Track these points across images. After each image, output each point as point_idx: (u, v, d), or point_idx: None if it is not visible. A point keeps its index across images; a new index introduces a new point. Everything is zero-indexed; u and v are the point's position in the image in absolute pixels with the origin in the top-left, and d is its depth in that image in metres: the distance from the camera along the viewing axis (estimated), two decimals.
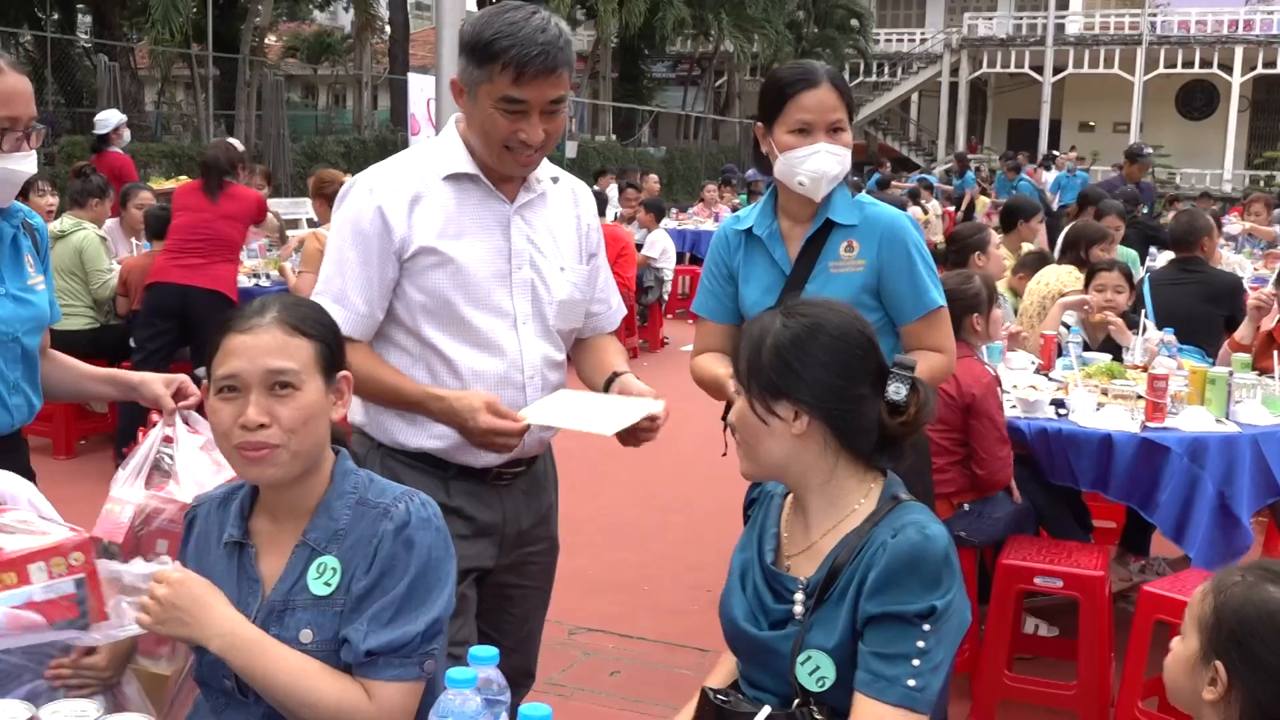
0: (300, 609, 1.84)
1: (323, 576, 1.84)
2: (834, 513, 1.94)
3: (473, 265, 2.44)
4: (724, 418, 2.19)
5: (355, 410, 2.54)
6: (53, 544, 1.89)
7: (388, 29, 28.29)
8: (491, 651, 1.63)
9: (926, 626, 1.78)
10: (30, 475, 2.63)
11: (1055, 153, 18.93)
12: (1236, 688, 1.63)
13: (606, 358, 2.69)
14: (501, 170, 2.46)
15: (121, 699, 1.97)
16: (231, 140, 7.56)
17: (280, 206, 13.39)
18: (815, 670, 1.85)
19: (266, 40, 27.32)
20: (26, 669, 1.89)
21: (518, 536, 2.61)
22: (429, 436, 2.47)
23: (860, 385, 1.92)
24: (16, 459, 2.59)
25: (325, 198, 6.88)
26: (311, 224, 10.19)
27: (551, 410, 2.45)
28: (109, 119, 10.26)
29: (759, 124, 2.92)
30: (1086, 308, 5.30)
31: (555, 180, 2.60)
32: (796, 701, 1.87)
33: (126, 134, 10.55)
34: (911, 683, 1.78)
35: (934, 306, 2.89)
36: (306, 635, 1.83)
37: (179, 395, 2.40)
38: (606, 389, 2.57)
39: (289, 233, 8.87)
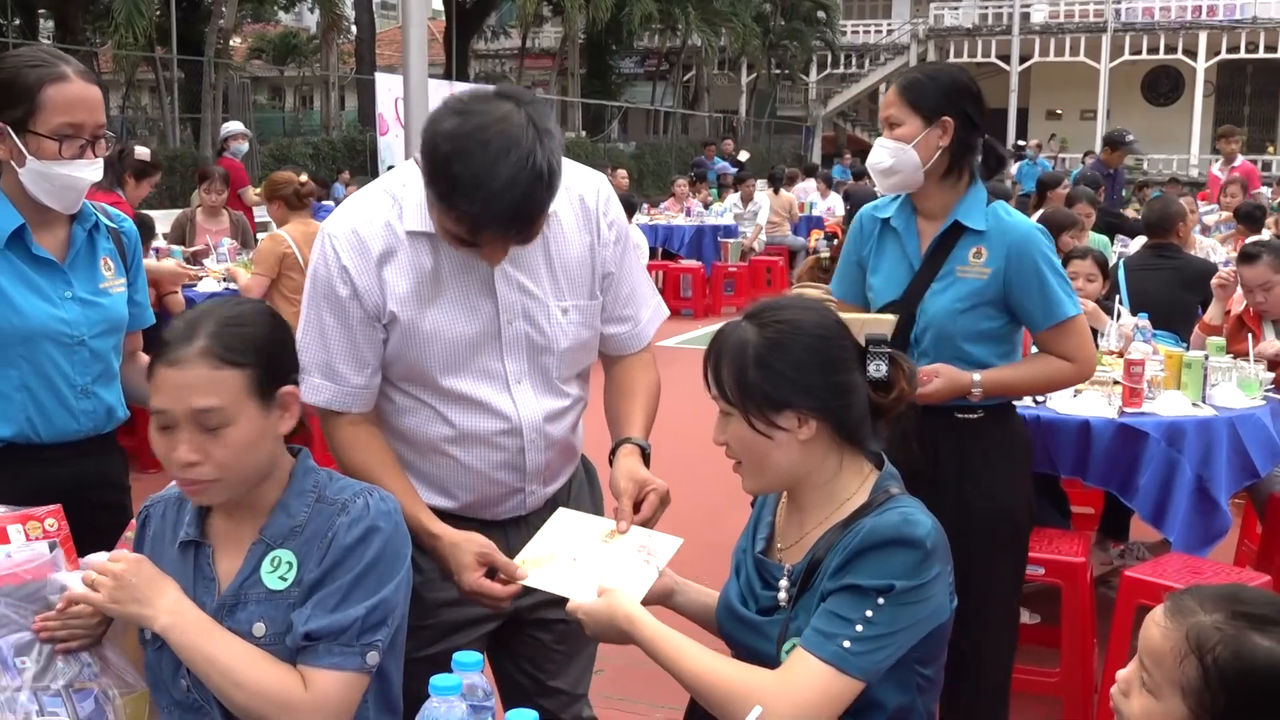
0: (253, 603, 1.84)
1: (277, 570, 1.84)
2: (827, 506, 1.94)
3: (449, 332, 2.19)
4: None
5: None
6: (27, 511, 1.99)
7: (354, 29, 28.18)
8: (476, 658, 1.61)
9: (880, 600, 1.77)
10: (123, 488, 2.68)
11: (1022, 142, 18.92)
12: None
13: (625, 407, 2.42)
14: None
15: (105, 662, 1.95)
16: (140, 149, 7.50)
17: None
18: None
19: (231, 42, 27.15)
20: (10, 620, 1.89)
21: None
22: (437, 497, 2.31)
23: (849, 373, 1.91)
24: (106, 466, 2.61)
25: (280, 199, 6.90)
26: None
27: (552, 572, 2.13)
28: (231, 128, 11.30)
29: None
30: None
31: (555, 212, 2.20)
32: None
33: (244, 144, 11.13)
34: (847, 644, 1.76)
35: (1064, 317, 2.94)
36: (259, 628, 1.82)
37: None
38: (611, 455, 2.34)
39: (258, 236, 8.82)
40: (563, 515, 2.25)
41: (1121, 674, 1.62)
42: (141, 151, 7.49)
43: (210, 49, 21.62)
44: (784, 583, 1.93)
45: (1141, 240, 6.94)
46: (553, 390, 2.31)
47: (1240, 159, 11.79)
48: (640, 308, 2.45)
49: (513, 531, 2.33)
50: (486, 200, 1.96)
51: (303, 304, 2.26)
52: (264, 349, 1.82)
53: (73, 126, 2.39)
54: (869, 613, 1.77)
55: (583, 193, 2.31)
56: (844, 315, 2.04)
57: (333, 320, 2.19)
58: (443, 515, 2.26)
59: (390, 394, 2.28)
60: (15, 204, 2.46)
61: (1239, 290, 4.97)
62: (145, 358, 2.65)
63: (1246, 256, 4.87)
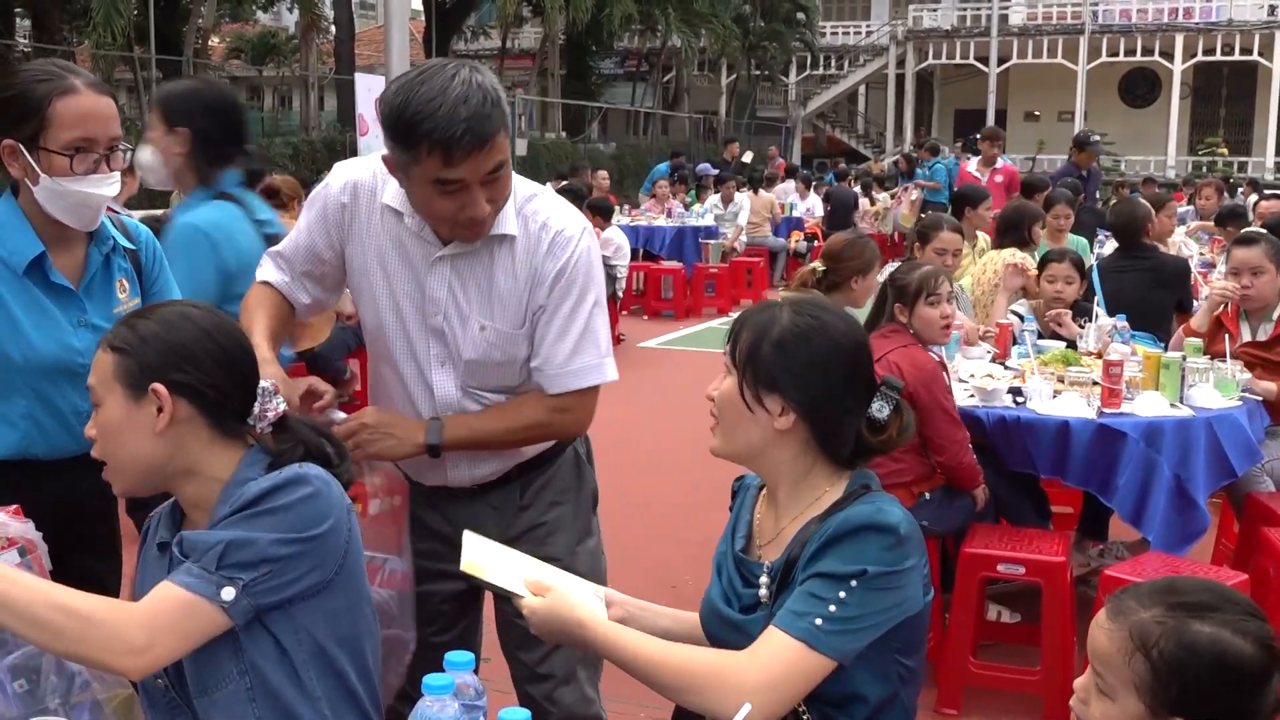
0: None
1: None
2: (801, 502, 1.97)
3: (389, 302, 2.42)
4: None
5: None
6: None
7: (333, 29, 28.07)
8: (467, 657, 1.62)
9: (854, 583, 1.79)
10: (113, 498, 2.56)
11: (976, 137, 18.82)
12: None
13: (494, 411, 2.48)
14: (454, 238, 2.34)
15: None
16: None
17: None
18: None
19: (210, 42, 27.04)
20: (4, 641, 1.90)
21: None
22: None
23: (848, 396, 1.94)
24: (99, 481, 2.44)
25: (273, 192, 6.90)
26: None
27: (498, 570, 2.07)
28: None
29: None
30: (1029, 274, 5.38)
31: (512, 238, 2.36)
32: None
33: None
34: (819, 622, 1.79)
35: None
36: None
37: (309, 396, 2.40)
38: None
39: None
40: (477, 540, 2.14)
41: (1078, 683, 1.66)
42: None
43: (189, 49, 21.57)
44: (764, 579, 1.95)
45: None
46: (466, 392, 2.45)
47: (1001, 161, 11.77)
48: (556, 356, 2.42)
49: (458, 503, 2.53)
50: (444, 119, 2.10)
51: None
52: (149, 343, 1.86)
53: (85, 140, 2.33)
54: (842, 594, 1.79)
55: (547, 229, 2.39)
56: None
57: (302, 227, 2.48)
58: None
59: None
60: (35, 226, 2.40)
61: (1213, 288, 5.01)
62: None
63: (1245, 240, 4.91)
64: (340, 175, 2.46)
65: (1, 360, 2.37)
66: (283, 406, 1.95)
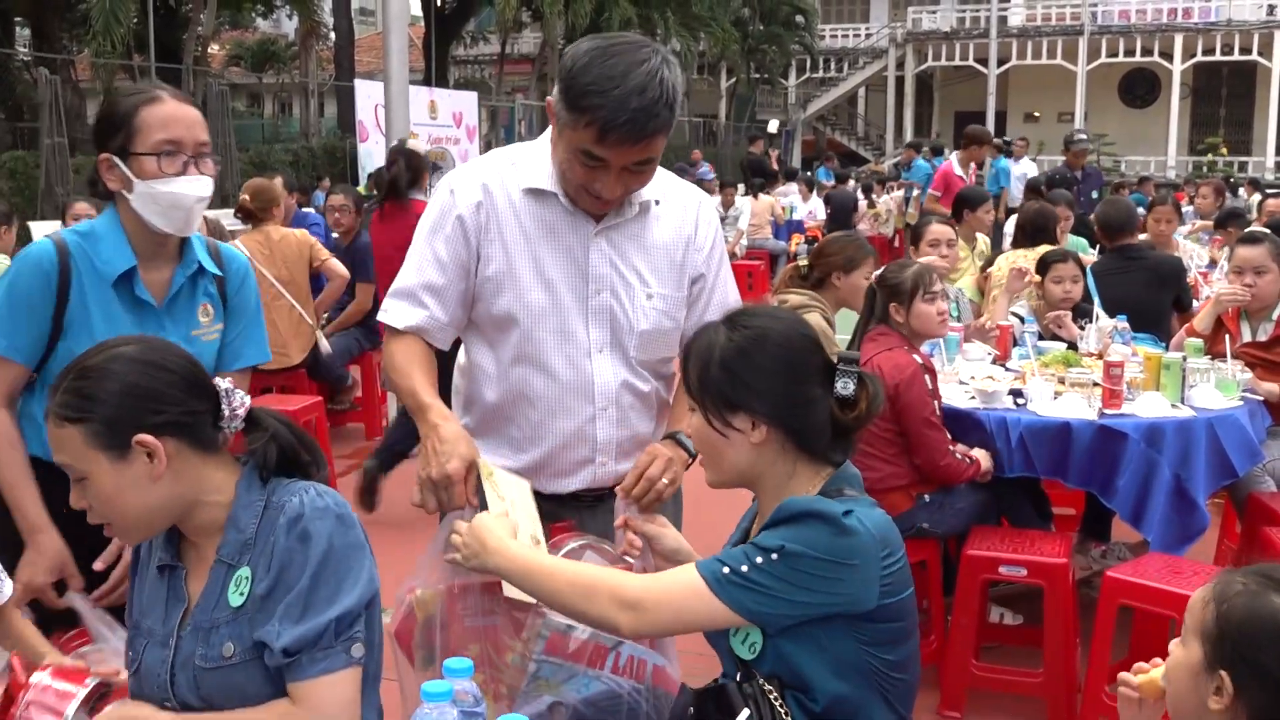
0: (223, 625, 1.85)
1: (239, 588, 1.84)
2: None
3: (540, 287, 2.34)
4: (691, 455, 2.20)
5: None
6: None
7: (332, 35, 28.10)
8: (466, 664, 1.62)
9: (773, 555, 1.82)
10: None
11: (1008, 138, 18.95)
12: (1242, 699, 1.60)
13: (676, 405, 2.49)
14: (579, 204, 2.34)
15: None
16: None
17: (226, 219, 13.24)
18: (747, 638, 1.91)
19: (210, 49, 27.06)
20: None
21: None
22: (499, 454, 2.41)
23: (811, 387, 1.96)
24: None
25: (246, 211, 6.94)
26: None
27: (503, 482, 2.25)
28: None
29: None
30: (1030, 283, 5.37)
31: (658, 202, 2.41)
32: (739, 675, 1.93)
33: None
34: (725, 570, 1.84)
35: None
36: (229, 649, 1.83)
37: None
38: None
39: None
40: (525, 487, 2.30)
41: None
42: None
43: (188, 56, 21.55)
44: None
45: None
46: (632, 370, 2.41)
47: (944, 160, 11.78)
48: None
49: (587, 515, 2.42)
50: (616, 100, 2.11)
51: (414, 239, 2.42)
52: (109, 401, 1.80)
53: (170, 143, 2.43)
54: (759, 559, 1.83)
55: (686, 200, 2.48)
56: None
57: (429, 252, 2.36)
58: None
59: (478, 358, 2.41)
60: (131, 240, 2.50)
61: (1213, 287, 5.01)
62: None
63: (1249, 239, 4.92)
64: (464, 179, 2.40)
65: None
66: (247, 400, 1.93)
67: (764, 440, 1.95)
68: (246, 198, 6.94)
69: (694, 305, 2.49)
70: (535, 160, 2.37)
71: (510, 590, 2.06)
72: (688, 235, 2.44)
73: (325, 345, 7.00)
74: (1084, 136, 11.80)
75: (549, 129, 2.36)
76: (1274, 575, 1.65)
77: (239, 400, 1.91)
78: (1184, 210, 11.65)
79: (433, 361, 2.41)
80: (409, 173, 6.43)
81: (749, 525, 2.12)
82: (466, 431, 2.28)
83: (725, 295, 2.53)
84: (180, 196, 2.44)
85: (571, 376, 2.37)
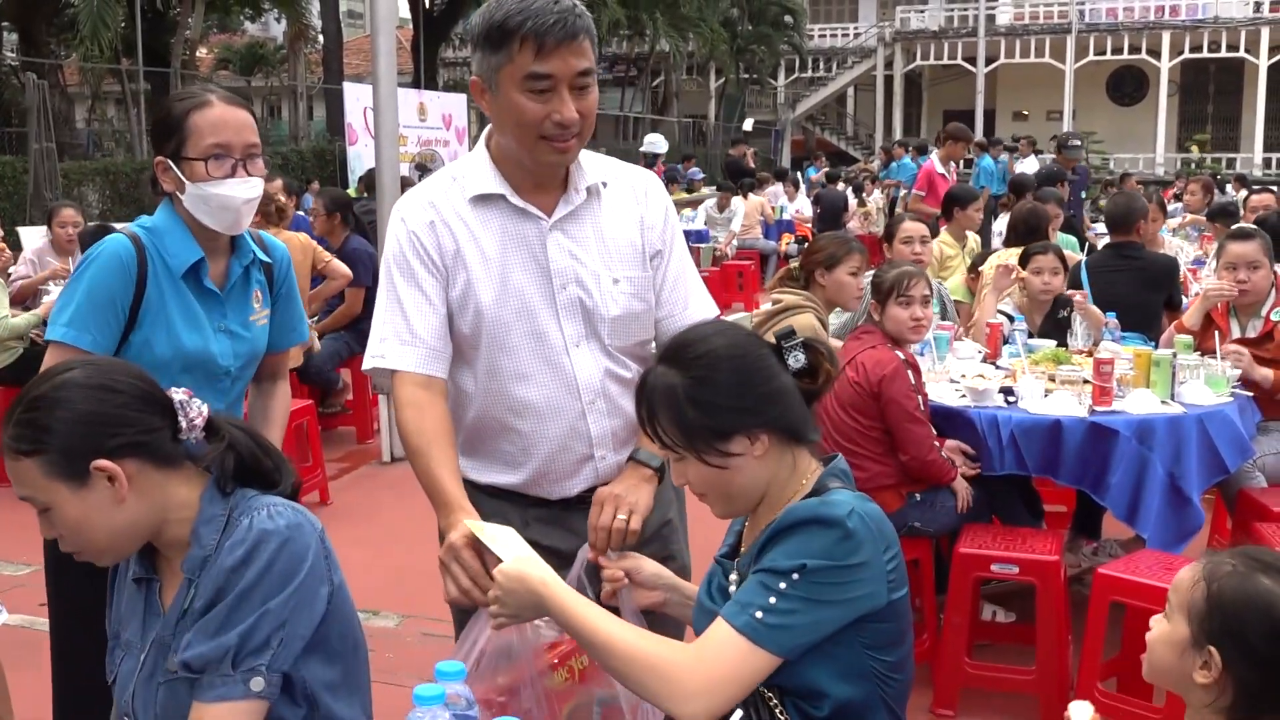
0: (179, 637, 1.84)
1: (187, 603, 1.83)
2: (777, 506, 1.97)
3: (505, 294, 2.32)
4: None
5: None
6: None
7: (320, 38, 28.05)
8: (458, 667, 1.61)
9: (795, 577, 1.80)
10: None
11: (1017, 137, 19.05)
12: (1229, 673, 1.68)
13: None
14: (541, 168, 2.31)
15: None
16: None
17: None
18: None
19: (198, 53, 27.00)
20: None
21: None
22: (495, 473, 2.42)
23: (777, 377, 1.95)
24: None
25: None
26: None
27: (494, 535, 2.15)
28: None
29: None
30: (1017, 279, 5.38)
31: (605, 185, 2.42)
32: None
33: None
34: (759, 615, 1.81)
35: None
36: (171, 663, 1.82)
37: None
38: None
39: None
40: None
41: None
42: None
43: (176, 60, 21.50)
44: (733, 576, 2.00)
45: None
46: (612, 359, 2.40)
47: (927, 159, 11.69)
48: (691, 297, 2.52)
49: (577, 514, 2.38)
50: (537, 13, 2.16)
51: (380, 283, 2.41)
52: (61, 430, 1.77)
53: (220, 147, 2.53)
54: (782, 585, 1.81)
55: (633, 180, 2.49)
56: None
57: (404, 286, 2.34)
58: (518, 494, 2.40)
59: (456, 378, 2.39)
60: (194, 235, 2.60)
61: (1200, 284, 5.01)
62: (284, 388, 2.94)
63: (1240, 234, 4.90)
64: (411, 204, 2.39)
65: (147, 354, 2.51)
66: (205, 409, 1.90)
67: (766, 449, 1.93)
68: (283, 198, 7.14)
69: (657, 284, 2.48)
70: (474, 168, 2.38)
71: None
72: (639, 215, 2.45)
73: (315, 343, 7.04)
74: (1078, 142, 11.75)
75: (479, 142, 2.42)
76: (1261, 558, 1.71)
77: (196, 410, 1.88)
78: (1172, 207, 11.69)
79: (450, 426, 2.35)
80: None
81: (741, 529, 2.11)
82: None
83: (682, 267, 2.53)
84: (229, 199, 2.54)
85: (553, 377, 2.35)
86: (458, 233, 2.34)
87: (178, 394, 1.88)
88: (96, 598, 2.12)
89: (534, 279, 2.33)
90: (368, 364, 2.37)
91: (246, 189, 2.56)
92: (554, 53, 2.18)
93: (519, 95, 2.21)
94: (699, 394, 1.89)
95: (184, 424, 1.86)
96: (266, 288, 2.78)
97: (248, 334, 2.70)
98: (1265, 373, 4.51)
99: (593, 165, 2.41)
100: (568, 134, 2.25)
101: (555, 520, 2.42)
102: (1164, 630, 1.77)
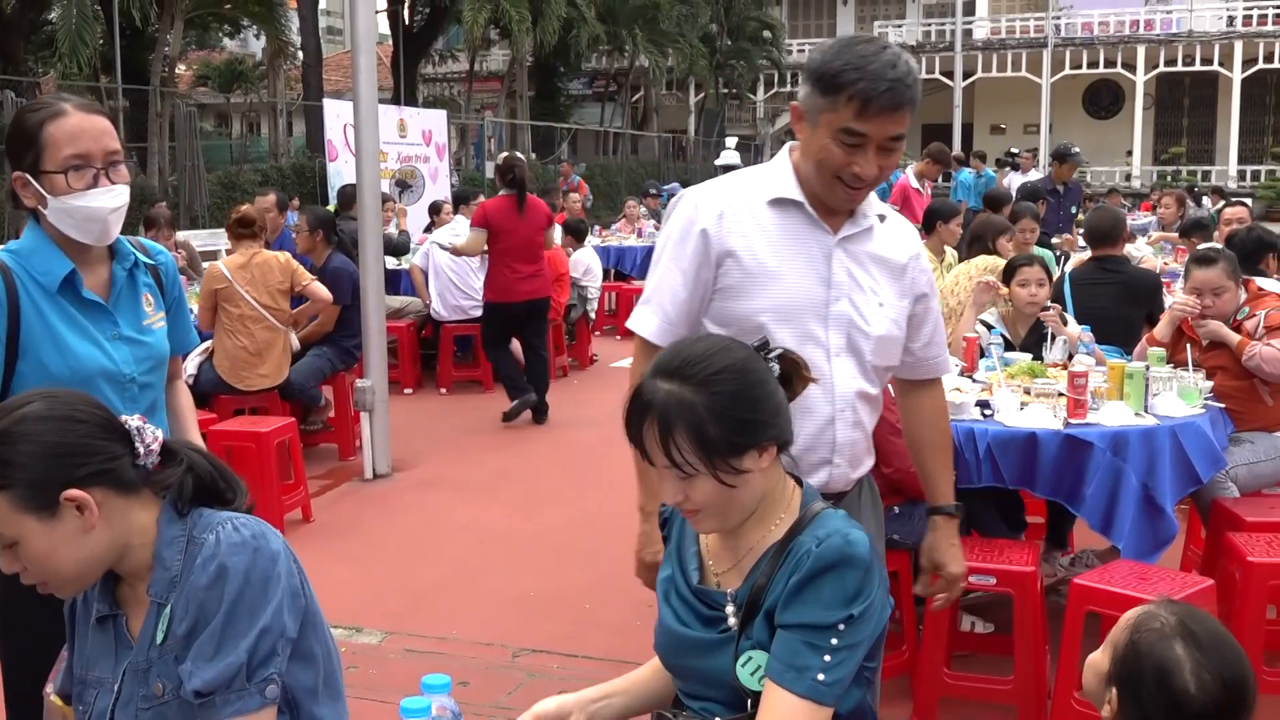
0: (155, 663, 1.84)
1: (162, 625, 1.84)
2: (760, 527, 1.97)
3: (789, 289, 2.42)
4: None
5: None
6: None
7: (300, 55, 28.03)
8: (444, 680, 1.64)
9: (842, 628, 1.83)
10: None
11: (1014, 150, 19.05)
12: (1121, 716, 1.80)
13: (933, 464, 2.76)
14: (829, 202, 2.43)
15: None
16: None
17: (197, 239, 13.22)
18: (757, 669, 1.89)
19: (177, 70, 26.91)
20: None
21: None
22: None
23: (778, 389, 1.94)
24: None
25: (237, 237, 7.02)
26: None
27: None
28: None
29: None
30: (1001, 294, 5.42)
31: (882, 218, 2.55)
32: (750, 702, 1.90)
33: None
34: (821, 676, 1.81)
35: None
36: (159, 688, 1.83)
37: None
38: (928, 515, 2.74)
39: (203, 264, 8.82)
40: None
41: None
42: None
43: (155, 77, 21.41)
44: (730, 608, 1.96)
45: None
46: (865, 375, 2.50)
47: (899, 174, 11.56)
48: (942, 341, 2.73)
49: None
50: (873, 73, 2.26)
51: (655, 259, 2.55)
52: (27, 464, 1.76)
53: (79, 157, 2.46)
54: (834, 641, 1.82)
55: (903, 223, 2.64)
56: None
57: (671, 263, 2.48)
58: None
59: None
60: (61, 248, 2.53)
61: (1174, 304, 5.06)
62: (183, 385, 2.90)
63: (1203, 259, 4.91)
64: (707, 194, 2.50)
65: (44, 375, 2.46)
66: (160, 434, 1.90)
67: (770, 461, 1.92)
68: (250, 209, 7.11)
69: (920, 324, 2.64)
70: (775, 174, 2.49)
71: None
72: (910, 254, 2.58)
73: (294, 343, 7.13)
74: (1077, 150, 11.60)
75: (783, 151, 2.52)
76: (1192, 625, 1.79)
77: (151, 435, 1.88)
78: (1147, 220, 11.78)
79: None
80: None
81: (697, 548, 2.07)
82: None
83: (937, 313, 2.70)
84: (94, 210, 2.49)
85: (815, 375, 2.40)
86: (748, 227, 2.43)
87: (132, 421, 1.88)
88: (41, 606, 2.11)
89: (814, 285, 2.43)
90: (630, 320, 2.57)
91: (112, 198, 2.50)
92: (875, 117, 2.29)
93: (830, 141, 2.33)
94: (722, 410, 1.84)
95: (141, 450, 1.85)
96: (157, 290, 2.73)
97: (147, 338, 2.65)
98: (1232, 335, 4.61)
99: (873, 201, 2.54)
100: (862, 185, 2.38)
101: None
102: (1096, 657, 1.88)
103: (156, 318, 2.69)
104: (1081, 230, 6.58)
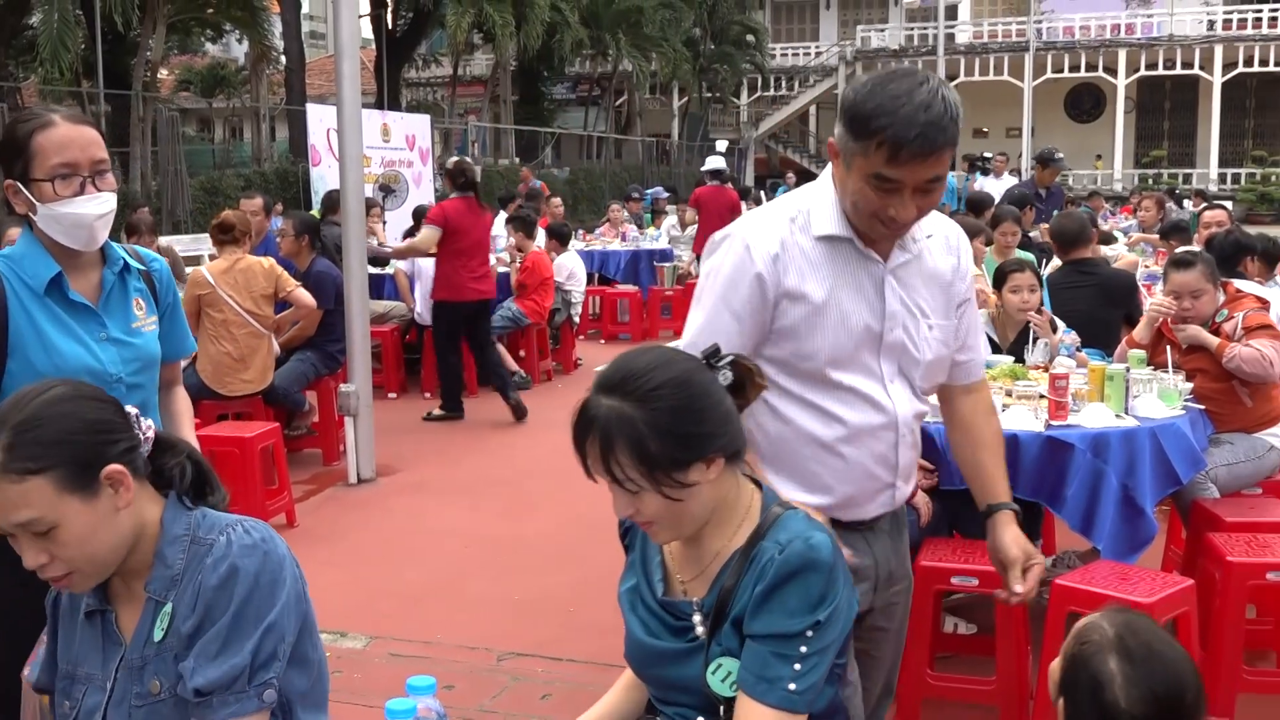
0: (151, 661, 1.85)
1: (161, 623, 1.84)
2: (721, 534, 1.97)
3: (841, 328, 2.37)
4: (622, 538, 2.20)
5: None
6: None
7: (283, 59, 27.98)
8: (429, 681, 1.65)
9: (810, 634, 1.84)
10: None
11: (988, 154, 19.11)
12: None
13: (987, 463, 2.68)
14: (872, 235, 2.37)
15: None
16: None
17: (180, 244, 13.17)
18: (727, 676, 1.90)
19: (159, 74, 26.84)
20: None
21: (888, 578, 2.57)
22: (801, 492, 2.41)
23: (724, 399, 1.91)
24: None
25: (219, 243, 7.03)
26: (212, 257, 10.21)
27: None
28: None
29: None
30: (991, 302, 5.44)
31: (930, 236, 2.48)
32: (723, 708, 1.91)
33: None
34: (792, 686, 1.83)
35: None
36: (155, 685, 1.83)
37: None
38: (986, 518, 2.63)
39: (186, 270, 8.80)
40: None
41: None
42: None
43: (137, 82, 21.35)
44: (697, 617, 1.96)
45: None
46: (916, 397, 2.50)
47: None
48: (979, 341, 2.70)
49: (870, 535, 2.51)
50: (904, 118, 2.14)
51: (699, 298, 2.44)
52: (66, 442, 1.77)
53: (66, 166, 2.56)
54: (803, 649, 1.83)
55: (948, 230, 2.55)
56: None
57: (723, 304, 2.37)
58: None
59: (776, 402, 2.40)
60: (50, 253, 2.63)
61: (1152, 305, 5.08)
62: (181, 390, 2.97)
63: (1181, 262, 4.92)
64: (759, 234, 2.38)
65: (31, 374, 2.49)
66: (152, 425, 1.92)
67: (720, 472, 1.89)
68: (232, 215, 7.11)
69: (964, 331, 2.60)
70: (820, 208, 2.39)
71: None
72: (952, 265, 2.52)
73: (275, 348, 7.16)
74: (1061, 155, 11.63)
75: (825, 172, 2.43)
76: (1127, 638, 1.81)
77: (146, 424, 1.90)
78: (1127, 223, 11.83)
79: None
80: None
81: (661, 558, 2.06)
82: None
83: (975, 312, 2.66)
84: (80, 216, 2.58)
85: (875, 410, 2.42)
86: (802, 267, 2.36)
87: (130, 409, 1.90)
88: (13, 595, 2.14)
89: (868, 318, 2.38)
90: None
91: (97, 205, 2.60)
92: (907, 163, 2.18)
93: (864, 184, 2.25)
94: (660, 424, 1.81)
95: (141, 437, 1.88)
96: (149, 295, 2.81)
97: (135, 340, 2.71)
98: (1212, 338, 4.64)
99: (922, 222, 2.46)
100: (900, 227, 2.31)
101: (853, 541, 2.44)
102: (1055, 662, 1.91)
103: (147, 321, 2.77)
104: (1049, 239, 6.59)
